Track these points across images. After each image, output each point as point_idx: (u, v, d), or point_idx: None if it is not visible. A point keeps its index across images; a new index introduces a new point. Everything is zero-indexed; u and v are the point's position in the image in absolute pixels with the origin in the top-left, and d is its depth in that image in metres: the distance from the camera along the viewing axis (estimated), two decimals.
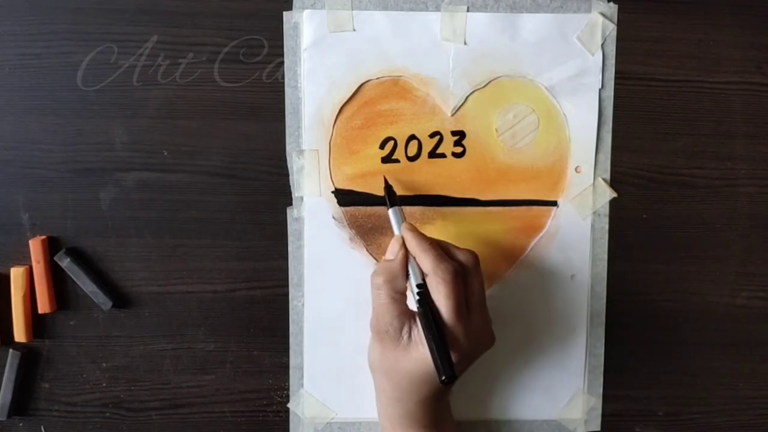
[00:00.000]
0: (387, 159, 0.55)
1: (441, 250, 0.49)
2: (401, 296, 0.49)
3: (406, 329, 0.48)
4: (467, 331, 0.48)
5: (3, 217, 0.55)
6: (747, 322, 0.58)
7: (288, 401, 0.57)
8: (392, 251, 0.50)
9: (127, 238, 0.55)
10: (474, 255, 0.50)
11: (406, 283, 0.49)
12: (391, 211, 0.52)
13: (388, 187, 0.53)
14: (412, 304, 0.49)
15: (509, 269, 0.56)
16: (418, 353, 0.47)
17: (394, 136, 0.55)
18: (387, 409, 0.51)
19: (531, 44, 0.54)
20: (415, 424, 0.50)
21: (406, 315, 0.49)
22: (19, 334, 0.55)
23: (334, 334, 0.56)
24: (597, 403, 0.57)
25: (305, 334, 0.56)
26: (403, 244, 0.50)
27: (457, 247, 0.50)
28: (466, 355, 0.48)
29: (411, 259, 0.49)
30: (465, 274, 0.49)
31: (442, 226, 0.55)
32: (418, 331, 0.48)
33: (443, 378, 0.45)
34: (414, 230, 0.50)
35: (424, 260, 0.48)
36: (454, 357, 0.46)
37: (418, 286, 0.48)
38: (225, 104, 0.55)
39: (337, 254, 0.55)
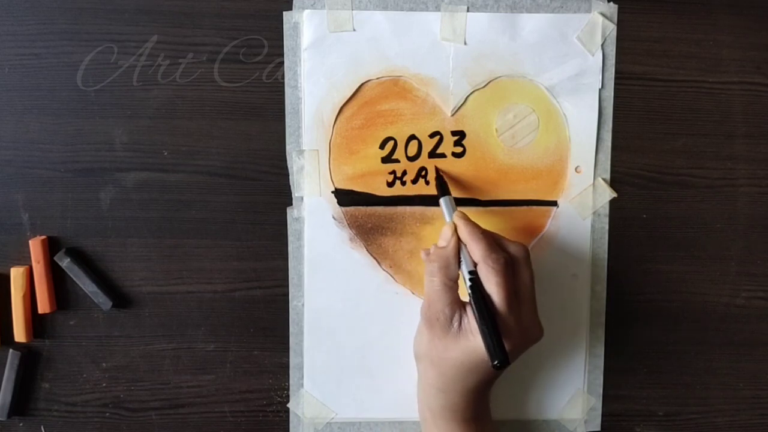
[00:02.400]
0: (387, 159, 0.55)
1: (492, 240, 0.49)
2: (454, 284, 0.49)
3: (456, 317, 0.48)
4: (517, 322, 0.48)
5: (3, 217, 0.55)
6: (747, 322, 0.58)
7: (288, 401, 0.57)
8: (444, 238, 0.50)
9: (127, 238, 0.55)
10: (524, 248, 0.50)
11: (459, 270, 0.49)
12: (442, 200, 0.52)
13: (438, 177, 0.54)
14: (464, 294, 0.49)
15: None
16: (468, 342, 0.47)
17: (394, 136, 0.55)
18: (429, 400, 0.51)
19: (531, 44, 0.54)
20: (457, 416, 0.50)
21: (458, 304, 0.49)
22: (19, 334, 0.55)
23: (334, 334, 0.56)
24: (597, 403, 0.57)
25: (305, 334, 0.56)
26: (455, 232, 0.50)
27: (508, 239, 0.51)
28: (516, 345, 0.48)
29: (462, 247, 0.50)
30: (515, 265, 0.49)
31: (442, 226, 0.55)
32: (469, 321, 0.48)
33: (495, 362, 0.45)
34: (466, 218, 0.51)
35: (475, 249, 0.48)
36: (504, 344, 0.46)
37: (470, 272, 0.48)
38: (225, 104, 0.55)
39: (337, 254, 0.55)
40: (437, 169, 0.54)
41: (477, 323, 0.47)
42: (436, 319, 0.48)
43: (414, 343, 0.52)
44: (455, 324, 0.48)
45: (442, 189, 0.53)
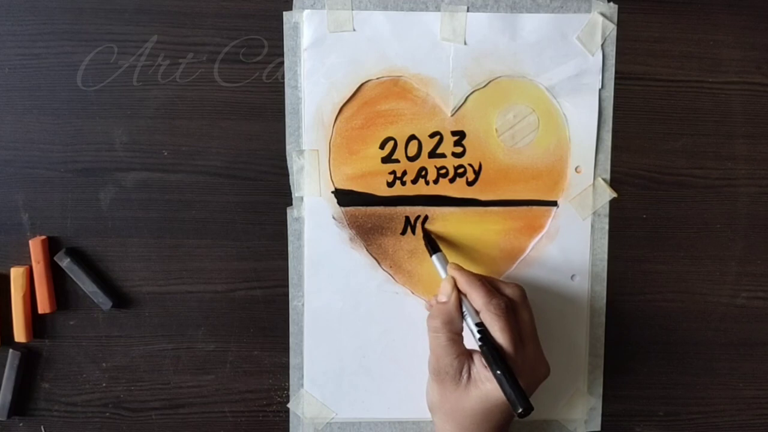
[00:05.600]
0: (387, 159, 0.55)
1: (489, 285, 0.50)
2: (458, 337, 0.50)
3: (465, 369, 0.49)
4: (523, 363, 0.48)
5: (3, 217, 0.55)
6: (747, 322, 0.58)
7: (288, 401, 0.57)
8: (445, 293, 0.51)
9: (127, 238, 0.55)
10: (521, 289, 0.51)
11: (462, 323, 0.50)
12: (434, 258, 0.53)
13: (426, 235, 0.55)
14: (467, 342, 0.50)
15: (509, 269, 0.56)
16: (479, 391, 0.48)
17: (394, 136, 0.55)
18: None
19: (531, 44, 0.54)
20: None
21: (465, 355, 0.49)
22: (19, 334, 0.55)
23: (334, 334, 0.56)
24: (597, 403, 0.57)
25: (305, 334, 0.56)
26: (455, 285, 0.51)
27: (504, 282, 0.52)
28: (526, 386, 0.48)
29: (464, 300, 0.50)
30: (515, 307, 0.50)
31: (442, 226, 0.55)
32: (477, 370, 0.48)
33: (520, 411, 0.45)
34: (461, 269, 0.51)
35: (476, 297, 0.49)
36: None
37: (477, 324, 0.49)
38: (225, 104, 0.55)
39: (337, 254, 0.55)
40: (424, 229, 0.55)
41: (492, 373, 0.47)
42: (446, 373, 0.49)
43: (426, 398, 0.52)
44: (464, 375, 0.49)
45: (432, 247, 0.54)
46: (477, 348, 0.49)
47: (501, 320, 0.48)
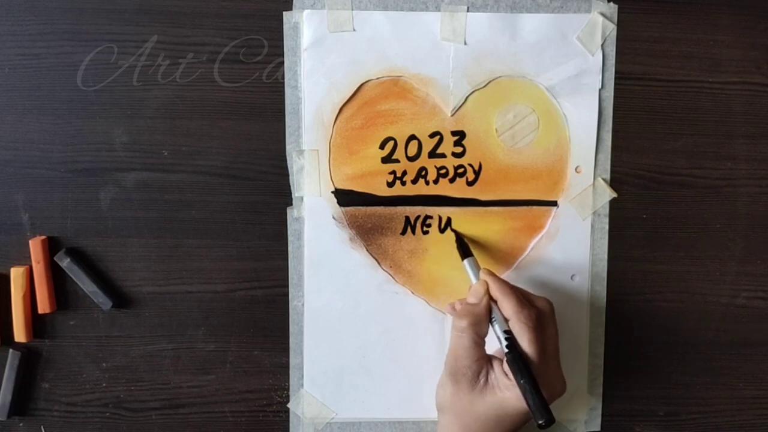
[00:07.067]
0: (387, 159, 0.55)
1: (521, 295, 0.50)
2: (482, 340, 0.50)
3: (483, 373, 0.49)
4: (545, 377, 0.48)
5: (3, 217, 0.55)
6: (747, 322, 0.58)
7: (288, 401, 0.57)
8: (476, 296, 0.51)
9: (127, 238, 0.55)
10: (550, 303, 0.51)
11: (488, 328, 0.50)
12: (466, 262, 0.53)
13: (459, 239, 0.54)
14: (488, 347, 0.50)
15: (509, 269, 0.56)
16: (494, 397, 0.48)
17: (394, 136, 0.55)
18: None
19: (531, 44, 0.54)
20: None
21: (485, 359, 0.49)
22: (19, 334, 0.55)
23: (334, 334, 0.56)
24: (597, 403, 0.57)
25: (305, 334, 0.56)
26: (488, 290, 0.50)
27: (534, 295, 0.51)
28: None
29: (494, 306, 0.50)
30: (543, 320, 0.50)
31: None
32: (495, 376, 0.48)
33: (541, 422, 0.45)
34: (494, 275, 0.51)
35: (507, 305, 0.49)
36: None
37: (505, 332, 0.49)
38: (225, 104, 0.55)
39: (337, 254, 0.55)
40: (456, 233, 0.55)
41: (516, 381, 0.47)
42: (463, 374, 0.49)
43: (436, 395, 0.52)
44: (482, 379, 0.49)
45: (464, 251, 0.54)
46: (496, 354, 0.49)
47: (531, 331, 0.48)
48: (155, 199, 0.55)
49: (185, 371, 0.57)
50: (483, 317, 0.50)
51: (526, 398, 0.46)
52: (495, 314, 0.50)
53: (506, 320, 0.49)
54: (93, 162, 0.55)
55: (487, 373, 0.49)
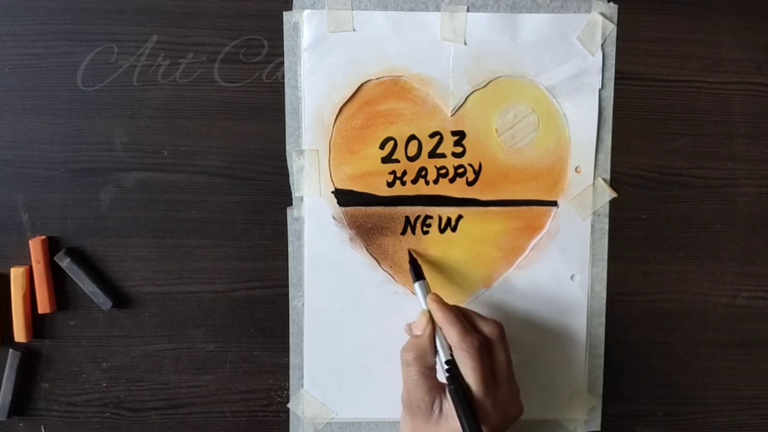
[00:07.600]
0: (387, 159, 0.55)
1: (466, 322, 0.50)
2: (431, 371, 0.50)
3: (437, 403, 0.49)
4: (494, 404, 0.48)
5: (3, 217, 0.55)
6: (747, 322, 0.58)
7: (288, 401, 0.57)
8: (420, 327, 0.51)
9: (127, 238, 0.55)
10: (499, 326, 0.51)
11: (435, 357, 0.50)
12: (417, 285, 0.53)
13: (413, 261, 0.54)
14: (441, 375, 0.49)
15: (509, 269, 0.56)
16: (449, 427, 0.48)
17: (394, 136, 0.55)
18: None
19: (531, 44, 0.54)
20: None
21: (437, 389, 0.49)
22: (19, 334, 0.55)
23: (334, 334, 0.56)
24: (597, 403, 0.57)
25: (305, 334, 0.56)
26: (431, 319, 0.50)
27: (483, 318, 0.51)
28: (495, 427, 0.48)
29: (438, 335, 0.50)
30: (490, 346, 0.49)
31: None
32: (449, 405, 0.48)
33: None
34: (440, 302, 0.51)
35: (451, 333, 0.49)
36: (484, 430, 0.47)
37: (446, 362, 0.49)
38: (225, 104, 0.55)
39: (337, 254, 0.55)
40: (410, 253, 0.55)
41: (457, 412, 0.47)
42: (417, 407, 0.49)
43: (400, 428, 0.52)
44: (436, 410, 0.49)
45: (416, 274, 0.53)
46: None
47: (473, 359, 0.47)
48: (155, 199, 0.55)
49: (185, 371, 0.57)
50: (427, 349, 0.49)
51: (462, 428, 0.46)
52: (440, 343, 0.50)
53: (451, 348, 0.49)
54: (93, 162, 0.55)
55: (441, 403, 0.49)
